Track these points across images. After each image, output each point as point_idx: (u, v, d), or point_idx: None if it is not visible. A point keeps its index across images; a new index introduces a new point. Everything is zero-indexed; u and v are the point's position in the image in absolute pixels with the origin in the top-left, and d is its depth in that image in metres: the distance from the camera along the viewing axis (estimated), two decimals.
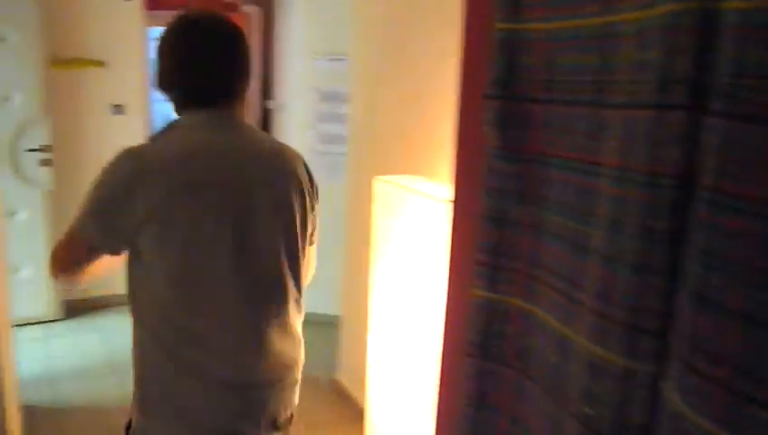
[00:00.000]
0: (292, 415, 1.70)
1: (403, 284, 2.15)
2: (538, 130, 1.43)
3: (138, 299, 1.52)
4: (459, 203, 1.75)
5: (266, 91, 6.31)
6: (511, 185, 1.49)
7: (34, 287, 4.06)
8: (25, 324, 3.97)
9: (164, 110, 9.57)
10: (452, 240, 1.77)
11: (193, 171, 1.45)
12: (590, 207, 1.25)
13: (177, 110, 1.57)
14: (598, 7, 1.22)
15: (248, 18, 6.61)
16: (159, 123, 10.80)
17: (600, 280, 1.24)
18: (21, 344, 3.65)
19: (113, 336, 4.04)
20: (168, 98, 1.58)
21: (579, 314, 1.27)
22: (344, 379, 3.43)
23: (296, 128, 4.39)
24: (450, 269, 1.78)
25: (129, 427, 1.62)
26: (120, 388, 3.41)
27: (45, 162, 3.91)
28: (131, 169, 1.43)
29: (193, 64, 1.52)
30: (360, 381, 3.19)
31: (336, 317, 3.51)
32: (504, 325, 1.50)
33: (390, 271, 2.24)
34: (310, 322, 4.09)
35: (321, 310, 4.23)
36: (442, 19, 2.39)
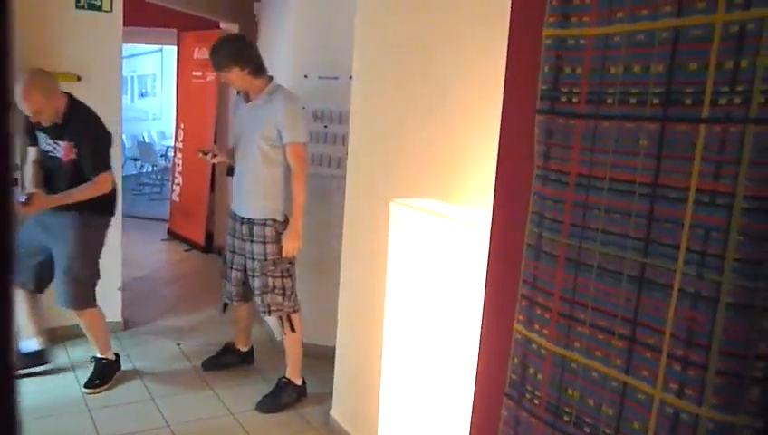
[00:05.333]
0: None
1: (425, 315, 1.98)
2: (581, 149, 1.29)
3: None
4: (498, 229, 1.60)
5: None
6: (548, 211, 1.34)
7: None
8: None
9: (131, 129, 9.34)
10: (489, 270, 1.61)
11: None
12: (657, 235, 1.11)
13: None
14: (671, 6, 1.08)
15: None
16: (128, 141, 10.40)
17: (684, 321, 1.09)
18: None
19: (84, 369, 3.75)
20: None
21: (648, 359, 1.11)
22: (340, 415, 3.22)
23: None
24: (486, 301, 1.62)
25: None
26: (92, 424, 3.16)
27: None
28: None
29: None
30: (359, 418, 2.99)
31: (330, 348, 3.30)
32: (538, 371, 1.34)
33: (409, 301, 2.07)
34: (304, 353, 3.92)
35: (314, 341, 4.02)
36: (458, 35, 2.25)
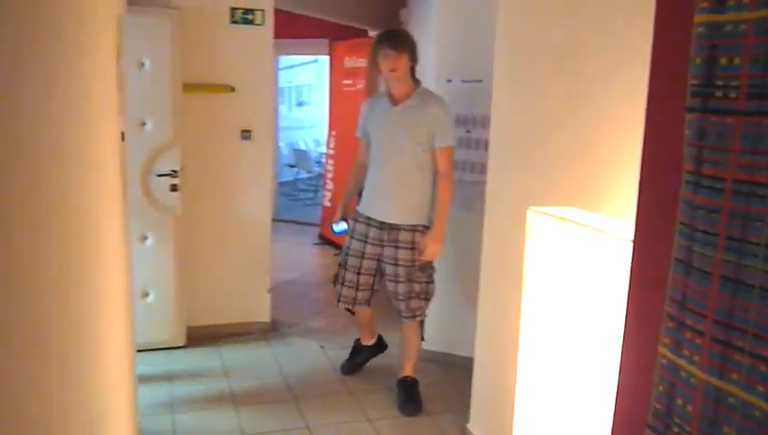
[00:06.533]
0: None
1: (563, 331, 1.84)
2: (740, 151, 1.12)
3: None
4: (642, 241, 1.45)
5: None
6: (700, 222, 1.18)
7: (160, 313, 4.04)
8: (149, 350, 3.94)
9: (288, 137, 9.72)
10: (631, 286, 1.46)
11: None
12: None
13: None
14: None
15: None
16: (286, 150, 10.87)
17: None
18: (143, 369, 3.61)
19: (233, 366, 3.95)
20: None
21: None
22: (477, 429, 3.12)
23: None
24: (628, 320, 1.47)
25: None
26: (236, 420, 3.29)
27: (175, 187, 3.90)
28: None
29: None
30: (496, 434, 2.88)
31: (468, 359, 3.22)
32: (688, 403, 1.18)
33: (547, 316, 1.94)
34: (438, 362, 3.88)
35: (454, 350, 3.97)
36: (610, 38, 2.09)
